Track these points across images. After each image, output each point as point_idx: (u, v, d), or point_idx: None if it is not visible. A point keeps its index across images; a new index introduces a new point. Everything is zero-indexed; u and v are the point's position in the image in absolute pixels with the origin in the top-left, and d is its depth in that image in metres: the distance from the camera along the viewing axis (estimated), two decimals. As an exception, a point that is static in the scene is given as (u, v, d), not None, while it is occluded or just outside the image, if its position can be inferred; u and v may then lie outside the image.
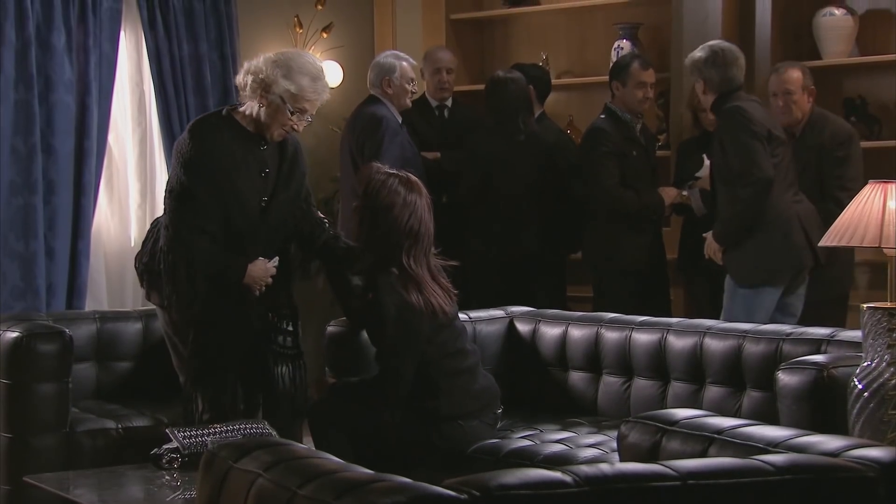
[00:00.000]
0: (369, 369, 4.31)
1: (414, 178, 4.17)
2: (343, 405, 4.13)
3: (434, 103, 6.43)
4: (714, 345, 4.09)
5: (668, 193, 5.77)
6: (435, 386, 4.07)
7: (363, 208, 4.12)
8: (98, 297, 6.10)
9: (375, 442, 4.07)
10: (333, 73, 6.96)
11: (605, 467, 2.10)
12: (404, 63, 6.00)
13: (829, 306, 5.35)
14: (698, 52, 5.25)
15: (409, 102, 6.05)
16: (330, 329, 4.54)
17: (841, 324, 4.72)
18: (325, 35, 6.98)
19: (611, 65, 6.29)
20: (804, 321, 5.02)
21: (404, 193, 4.08)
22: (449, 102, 6.47)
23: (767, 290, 5.07)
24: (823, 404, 3.47)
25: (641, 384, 4.30)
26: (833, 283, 5.40)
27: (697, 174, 5.70)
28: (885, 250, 3.50)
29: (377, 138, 5.79)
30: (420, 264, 4.08)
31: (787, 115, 5.43)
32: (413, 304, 4.01)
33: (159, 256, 4.27)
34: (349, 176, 5.95)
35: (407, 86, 5.99)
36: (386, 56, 6.07)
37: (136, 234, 6.31)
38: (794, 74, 5.45)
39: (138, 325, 5.09)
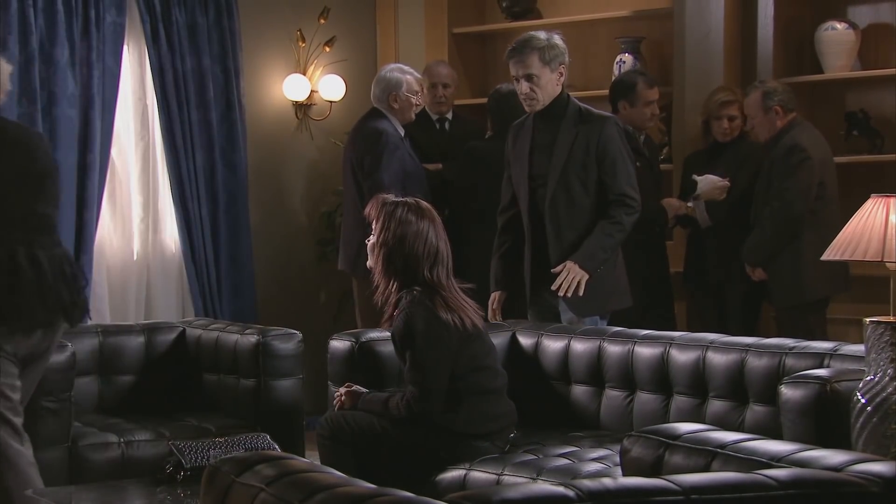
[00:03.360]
0: (372, 383, 4.31)
1: (424, 203, 4.16)
2: (365, 419, 4.09)
3: (434, 116, 6.45)
4: (717, 359, 4.09)
5: (672, 204, 5.77)
6: (457, 401, 4.05)
7: (376, 244, 4.11)
8: (100, 311, 6.10)
9: (383, 456, 4.05)
10: (336, 87, 6.97)
11: (607, 482, 2.09)
12: (409, 77, 6.01)
13: (787, 316, 5.48)
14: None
15: (413, 116, 6.06)
16: (333, 342, 4.54)
17: (809, 334, 4.73)
18: (327, 49, 7.00)
19: (613, 79, 6.30)
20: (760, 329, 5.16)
21: (415, 222, 4.07)
22: (450, 115, 6.49)
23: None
24: (826, 419, 3.46)
25: (644, 398, 4.30)
26: (785, 292, 5.48)
27: (696, 193, 5.69)
28: (887, 264, 3.50)
29: (377, 152, 5.80)
30: (442, 279, 4.08)
31: (755, 135, 5.71)
32: (441, 316, 4.01)
33: None
34: (351, 190, 5.97)
35: (412, 99, 6.00)
36: (391, 70, 6.06)
37: (138, 249, 6.33)
38: (748, 99, 5.61)
39: (141, 339, 5.09)
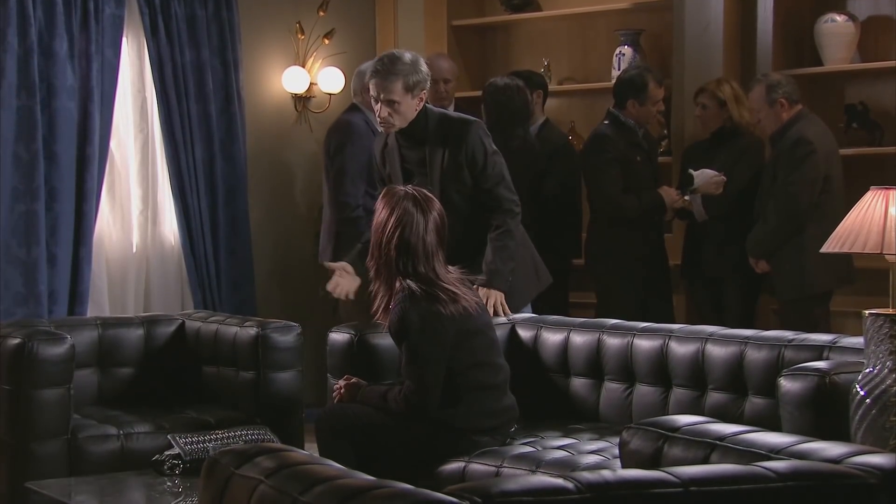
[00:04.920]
0: (371, 375, 4.31)
1: (424, 192, 4.11)
2: (364, 412, 4.09)
3: (435, 111, 6.45)
4: (716, 351, 4.09)
5: (668, 192, 5.77)
6: (456, 397, 4.04)
7: (373, 234, 4.11)
8: (100, 304, 6.11)
9: (382, 448, 4.05)
10: (335, 80, 6.97)
11: (607, 474, 2.09)
12: None
13: (792, 308, 5.49)
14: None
15: None
16: (332, 335, 4.54)
17: (812, 327, 4.74)
18: (326, 41, 6.99)
19: (614, 72, 6.29)
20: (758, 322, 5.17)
21: (413, 212, 4.03)
22: (451, 109, 6.48)
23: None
24: (825, 411, 3.46)
25: (643, 390, 4.30)
26: (789, 285, 5.50)
27: (693, 187, 5.69)
28: (886, 257, 3.50)
29: (340, 142, 5.83)
30: (434, 267, 4.05)
31: (762, 129, 5.69)
32: (436, 310, 3.98)
33: None
34: (329, 185, 6.00)
35: None
36: (368, 64, 6.06)
37: (137, 241, 6.33)
38: (752, 93, 5.61)
39: (140, 332, 5.09)
